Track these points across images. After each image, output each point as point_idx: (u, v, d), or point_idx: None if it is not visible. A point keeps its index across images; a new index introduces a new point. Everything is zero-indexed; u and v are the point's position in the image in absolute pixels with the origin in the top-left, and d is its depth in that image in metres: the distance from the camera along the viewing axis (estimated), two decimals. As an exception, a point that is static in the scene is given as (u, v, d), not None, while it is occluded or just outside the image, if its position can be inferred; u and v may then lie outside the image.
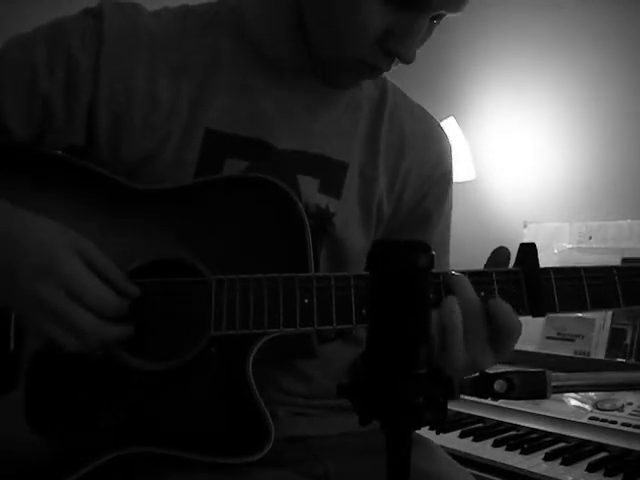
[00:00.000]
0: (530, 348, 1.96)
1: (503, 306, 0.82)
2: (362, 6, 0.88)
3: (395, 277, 0.56)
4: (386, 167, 1.04)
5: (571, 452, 1.54)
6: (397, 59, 0.93)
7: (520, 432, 1.69)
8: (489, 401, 1.71)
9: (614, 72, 2.38)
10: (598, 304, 0.86)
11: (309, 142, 0.99)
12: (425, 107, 1.14)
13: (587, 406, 1.68)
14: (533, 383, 0.66)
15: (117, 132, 0.94)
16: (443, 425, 1.70)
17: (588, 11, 2.44)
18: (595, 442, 1.57)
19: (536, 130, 2.60)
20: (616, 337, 1.90)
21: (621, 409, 1.65)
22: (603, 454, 1.53)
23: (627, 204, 2.23)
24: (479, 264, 0.89)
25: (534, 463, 1.51)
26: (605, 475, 1.43)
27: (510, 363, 1.54)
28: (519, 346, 0.83)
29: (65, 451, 0.88)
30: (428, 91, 2.73)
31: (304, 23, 0.96)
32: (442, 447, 1.14)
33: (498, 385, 0.65)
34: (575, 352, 1.95)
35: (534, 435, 1.66)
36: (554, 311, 0.86)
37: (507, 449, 1.59)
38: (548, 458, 1.52)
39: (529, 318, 0.86)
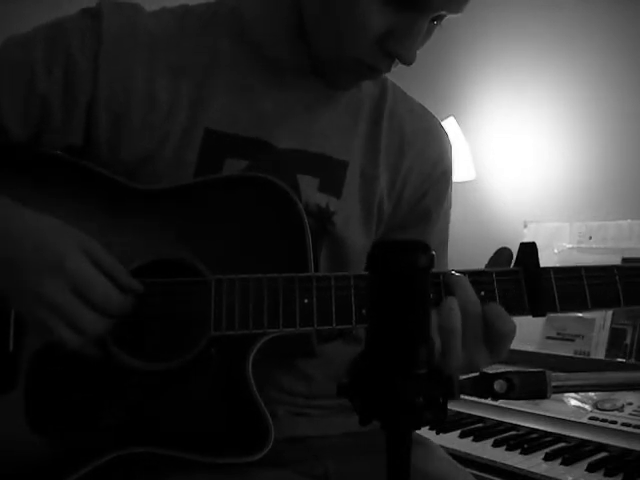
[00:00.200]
0: (530, 348, 1.95)
1: (498, 310, 0.83)
2: (362, 6, 0.88)
3: (395, 277, 0.56)
4: (387, 165, 1.04)
5: (571, 452, 1.54)
6: (397, 60, 0.93)
7: (520, 432, 1.69)
8: (489, 401, 1.71)
9: (614, 72, 2.38)
10: (599, 304, 0.86)
11: (309, 141, 0.99)
12: (425, 107, 1.14)
13: (587, 406, 1.68)
14: (533, 383, 0.66)
15: (116, 132, 0.94)
16: (443, 425, 1.70)
17: (588, 11, 2.44)
18: (595, 442, 1.57)
19: (536, 130, 2.60)
20: (616, 337, 1.90)
21: (621, 409, 1.65)
22: (603, 454, 1.53)
23: (627, 204, 2.23)
24: (479, 264, 0.89)
25: (534, 463, 1.51)
26: (605, 475, 1.43)
27: (510, 363, 1.54)
28: (519, 346, 0.83)
29: (65, 451, 0.88)
30: (428, 91, 2.73)
31: (304, 23, 0.96)
32: (442, 447, 1.14)
33: (498, 385, 0.65)
34: (575, 352, 1.94)
35: (534, 435, 1.66)
36: (554, 311, 0.86)
37: (507, 449, 1.59)
38: (548, 458, 1.52)
39: (529, 318, 0.86)
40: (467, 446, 1.63)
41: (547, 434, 1.65)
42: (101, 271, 0.85)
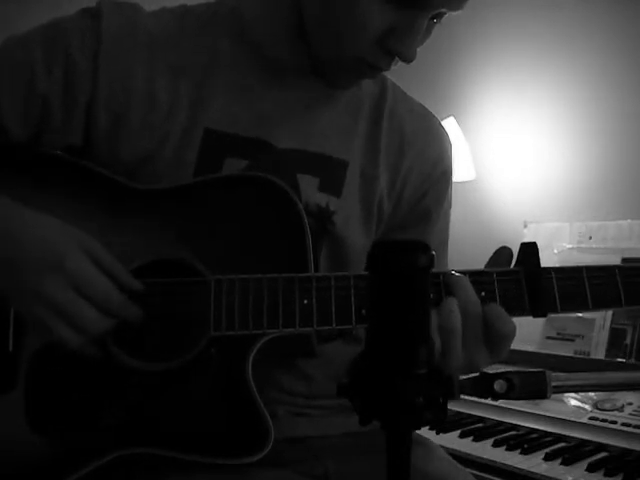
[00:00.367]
0: (530, 348, 1.95)
1: (498, 311, 0.83)
2: (362, 5, 0.88)
3: (395, 277, 0.56)
4: (387, 165, 1.04)
5: (571, 452, 1.54)
6: (397, 58, 0.93)
7: (520, 432, 1.69)
8: (489, 401, 1.71)
9: (614, 72, 2.38)
10: (599, 304, 0.86)
11: (309, 141, 0.99)
12: (425, 107, 1.14)
13: (587, 406, 1.68)
14: (533, 383, 0.66)
15: (116, 132, 0.94)
16: (443, 425, 1.70)
17: (588, 11, 2.44)
18: (595, 442, 1.57)
19: (536, 130, 2.60)
20: (616, 337, 1.90)
21: (621, 409, 1.65)
22: (603, 454, 1.53)
23: (627, 204, 2.23)
24: (479, 264, 0.89)
25: (534, 463, 1.51)
26: (605, 475, 1.43)
27: (510, 363, 1.53)
28: (519, 346, 0.83)
29: (65, 451, 0.88)
30: (428, 91, 2.73)
31: (304, 23, 0.96)
32: (442, 447, 1.14)
33: (498, 385, 0.65)
34: (575, 352, 1.94)
35: (534, 435, 1.66)
36: (555, 311, 0.86)
37: (507, 449, 1.59)
38: (548, 458, 1.52)
39: (529, 318, 0.86)
40: (467, 446, 1.63)
41: (547, 434, 1.65)
42: (101, 270, 0.85)
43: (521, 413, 1.73)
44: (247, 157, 0.96)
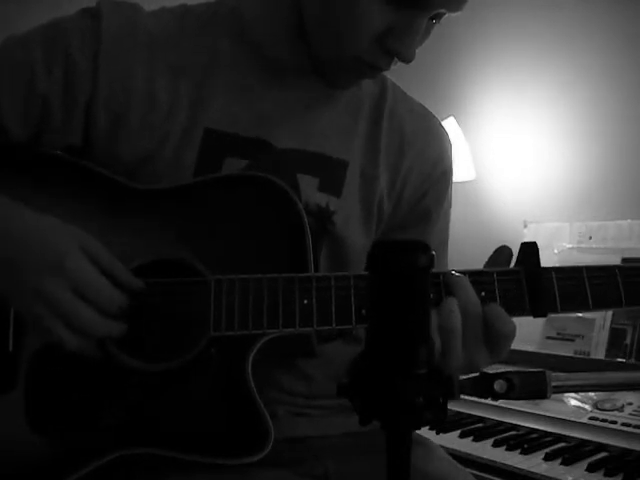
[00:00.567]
0: (530, 348, 1.95)
1: (498, 311, 0.83)
2: (362, 5, 0.88)
3: (395, 277, 0.56)
4: (387, 165, 1.04)
5: (571, 452, 1.54)
6: (396, 58, 0.93)
7: (520, 432, 1.69)
8: (489, 401, 1.71)
9: (614, 72, 2.38)
10: (600, 304, 0.86)
11: (309, 141, 0.99)
12: (425, 107, 1.14)
13: (587, 406, 1.68)
14: (533, 383, 0.66)
15: (115, 132, 0.94)
16: (443, 425, 1.70)
17: (588, 11, 2.44)
18: (595, 442, 1.57)
19: (536, 130, 2.60)
20: (616, 337, 1.90)
21: (621, 409, 1.65)
22: (603, 454, 1.53)
23: (627, 204, 2.23)
24: (479, 264, 0.89)
25: (534, 463, 1.51)
26: (605, 475, 1.43)
27: (510, 363, 1.53)
28: (519, 346, 0.83)
29: (65, 451, 0.88)
30: (428, 91, 2.72)
31: (304, 23, 0.96)
32: (442, 447, 1.14)
33: (498, 385, 0.65)
34: (575, 352, 1.94)
35: (534, 435, 1.66)
36: (555, 311, 0.85)
37: (507, 449, 1.59)
38: (548, 458, 1.52)
39: (529, 318, 0.86)
40: (467, 446, 1.63)
41: (547, 434, 1.65)
42: (101, 270, 0.85)
43: (521, 413, 1.73)
44: (247, 157, 0.96)
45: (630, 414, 1.62)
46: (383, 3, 0.87)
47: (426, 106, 1.13)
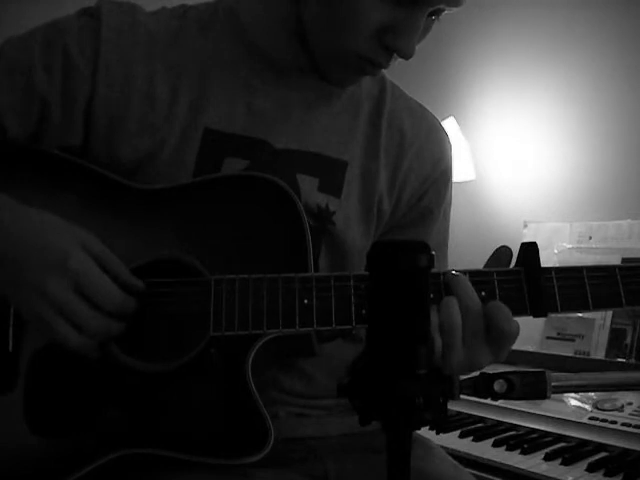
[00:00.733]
0: (530, 348, 1.95)
1: (502, 309, 0.82)
2: (361, 1, 0.88)
3: (395, 277, 0.56)
4: (386, 165, 1.04)
5: (571, 452, 1.54)
6: (396, 55, 0.93)
7: (520, 432, 1.69)
8: (489, 401, 1.71)
9: (614, 73, 2.38)
10: (600, 304, 0.86)
11: (308, 141, 0.99)
12: (425, 107, 1.14)
13: (587, 406, 1.68)
14: (533, 383, 0.66)
15: (115, 132, 0.94)
16: (443, 425, 1.69)
17: (589, 11, 2.44)
18: (595, 442, 1.57)
19: (536, 130, 2.60)
20: (616, 337, 1.90)
21: (621, 409, 1.65)
22: (603, 454, 1.53)
23: (627, 204, 2.23)
24: (479, 264, 0.89)
25: (534, 463, 1.50)
26: (605, 475, 1.43)
27: (510, 363, 1.53)
28: (519, 346, 0.83)
29: (64, 452, 0.88)
30: (428, 91, 2.72)
31: (303, 21, 0.96)
32: (442, 447, 1.14)
33: (498, 385, 0.65)
34: (575, 352, 1.94)
35: (534, 435, 1.66)
36: (556, 311, 0.85)
37: (507, 449, 1.58)
38: (548, 458, 1.51)
39: (529, 318, 0.86)
40: (467, 446, 1.63)
41: (547, 434, 1.65)
42: (103, 269, 0.85)
43: (521, 413, 1.72)
44: (247, 157, 0.96)
45: (630, 414, 1.62)
46: None
47: (426, 106, 1.13)
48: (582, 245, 2.08)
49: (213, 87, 0.97)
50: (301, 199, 0.95)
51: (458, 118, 2.67)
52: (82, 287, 0.83)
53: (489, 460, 1.55)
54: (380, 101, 1.06)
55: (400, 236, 1.06)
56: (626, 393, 1.69)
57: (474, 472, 1.43)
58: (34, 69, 0.92)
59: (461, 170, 2.61)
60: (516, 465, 1.50)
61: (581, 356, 1.92)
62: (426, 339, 0.57)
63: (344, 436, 1.02)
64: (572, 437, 1.61)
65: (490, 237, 2.46)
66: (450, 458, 1.09)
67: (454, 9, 0.92)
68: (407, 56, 0.92)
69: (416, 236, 1.06)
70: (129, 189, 0.93)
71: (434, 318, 0.79)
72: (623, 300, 0.86)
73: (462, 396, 0.61)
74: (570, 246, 2.10)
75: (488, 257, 0.89)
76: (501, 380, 0.65)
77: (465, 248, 1.82)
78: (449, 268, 0.85)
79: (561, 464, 1.49)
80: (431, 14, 0.92)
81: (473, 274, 0.85)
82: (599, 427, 1.60)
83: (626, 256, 1.94)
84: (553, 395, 0.68)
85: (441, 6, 0.91)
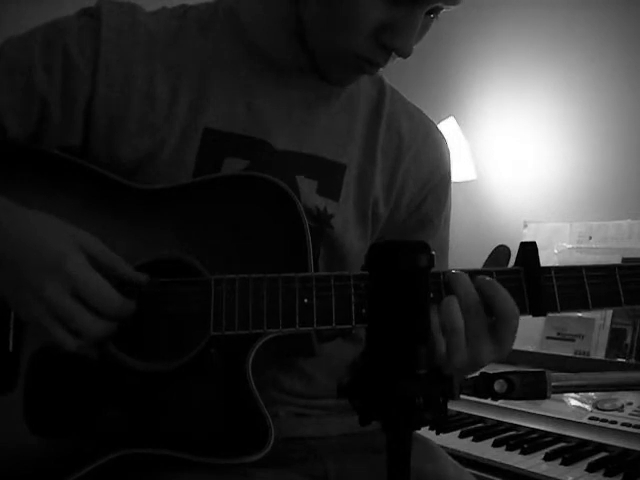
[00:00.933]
0: (530, 348, 1.95)
1: (500, 291, 0.80)
2: (359, 0, 0.88)
3: (395, 277, 0.56)
4: (383, 168, 1.04)
5: (571, 452, 1.54)
6: (394, 53, 0.92)
7: (520, 432, 1.69)
8: (489, 401, 1.71)
9: (614, 72, 2.38)
10: (599, 303, 0.86)
11: (308, 143, 0.99)
12: (425, 107, 1.14)
13: (587, 406, 1.68)
14: (533, 383, 0.66)
15: (115, 132, 0.94)
16: (443, 425, 1.69)
17: (589, 11, 2.44)
18: (595, 442, 1.57)
19: (536, 130, 2.60)
20: (616, 337, 1.90)
21: (621, 409, 1.65)
22: (603, 454, 1.53)
23: (627, 204, 2.23)
24: (479, 264, 0.89)
25: (534, 463, 1.50)
26: (605, 475, 1.43)
27: (510, 363, 1.54)
28: (519, 346, 0.82)
29: (64, 452, 0.88)
30: (428, 91, 2.73)
31: (302, 21, 0.96)
32: (442, 447, 1.14)
33: (498, 385, 0.65)
34: (575, 352, 1.94)
35: (534, 435, 1.66)
36: (555, 310, 0.85)
37: (507, 449, 1.58)
38: (548, 458, 1.51)
39: (529, 318, 0.86)
40: (467, 446, 1.63)
41: (547, 434, 1.65)
42: (102, 268, 0.84)
43: (521, 413, 1.72)
44: (247, 157, 0.96)
45: (630, 414, 1.62)
46: None
47: (426, 106, 1.13)
48: (582, 245, 2.08)
49: (213, 87, 0.97)
50: (300, 200, 0.95)
51: (458, 118, 2.67)
52: (79, 291, 0.82)
53: (489, 460, 1.55)
54: (379, 104, 1.06)
55: None
56: (626, 393, 1.69)
57: (474, 472, 1.43)
58: (34, 69, 0.92)
59: (461, 170, 2.61)
60: (516, 465, 1.50)
61: (581, 356, 1.92)
62: (426, 339, 0.57)
63: (344, 436, 1.02)
64: (572, 437, 1.61)
65: (490, 237, 2.45)
66: (450, 458, 1.09)
67: (452, 7, 0.92)
68: (405, 55, 0.91)
69: None
70: (129, 189, 0.93)
71: (435, 318, 0.79)
72: (622, 299, 0.86)
73: (462, 396, 0.61)
74: (570, 246, 2.10)
75: (486, 257, 0.89)
76: (501, 380, 0.65)
77: (465, 248, 1.82)
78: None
79: (561, 464, 1.49)
80: (429, 12, 0.92)
81: (473, 274, 0.85)
82: (599, 427, 1.60)
83: (626, 256, 1.94)
84: (553, 395, 0.68)
85: (439, 4, 0.90)
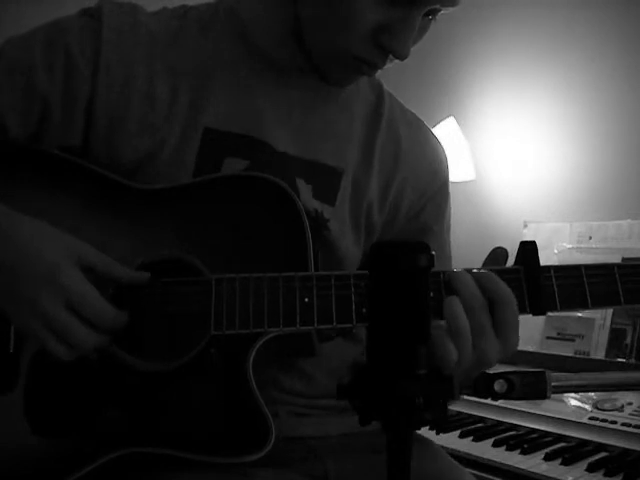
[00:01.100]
0: (530, 348, 1.96)
1: (497, 281, 0.80)
2: (356, 1, 0.88)
3: (395, 277, 0.56)
4: (379, 175, 1.04)
5: (571, 452, 1.54)
6: (391, 55, 0.92)
7: (520, 432, 1.69)
8: (489, 401, 1.71)
9: (614, 72, 2.38)
10: (599, 302, 0.86)
11: (306, 146, 0.99)
12: (425, 107, 1.14)
13: (587, 406, 1.68)
14: (533, 383, 0.67)
15: (115, 132, 0.94)
16: (443, 425, 1.69)
17: (589, 11, 2.44)
18: (595, 442, 1.57)
19: (536, 130, 2.60)
20: (616, 337, 1.90)
21: (621, 409, 1.65)
22: (603, 454, 1.53)
23: (627, 204, 2.23)
24: (479, 264, 0.89)
25: (534, 463, 1.50)
26: (605, 475, 1.43)
27: (510, 363, 1.53)
28: (519, 346, 0.82)
29: (65, 451, 0.88)
30: (428, 91, 2.74)
31: (300, 21, 0.96)
32: (442, 447, 1.14)
33: (498, 385, 0.65)
34: (575, 352, 1.94)
35: (534, 435, 1.66)
36: (555, 309, 0.85)
37: (507, 449, 1.58)
38: (548, 458, 1.51)
39: (529, 318, 0.86)
40: (467, 446, 1.63)
41: (547, 434, 1.65)
42: (99, 277, 0.84)
43: (521, 413, 1.73)
44: (247, 157, 0.96)
45: (630, 414, 1.62)
46: None
47: (426, 106, 1.14)
48: (582, 245, 2.08)
49: (213, 87, 0.97)
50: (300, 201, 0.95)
51: (458, 118, 2.67)
52: (72, 303, 0.82)
53: (489, 460, 1.55)
54: (377, 109, 1.06)
55: None
56: (626, 393, 1.69)
57: (474, 472, 1.43)
58: (35, 69, 0.92)
59: (461, 170, 2.61)
60: (516, 465, 1.50)
61: (581, 356, 1.92)
62: (426, 339, 0.57)
63: (344, 436, 1.02)
64: (572, 437, 1.61)
65: (490, 237, 2.45)
66: (450, 458, 1.09)
67: (450, 9, 0.92)
68: (402, 57, 0.91)
69: None
70: (129, 189, 0.93)
71: (438, 323, 0.78)
72: (622, 298, 0.86)
73: (462, 396, 0.61)
74: (570, 246, 2.10)
75: (484, 259, 0.89)
76: (501, 380, 0.65)
77: (465, 248, 1.82)
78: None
79: (561, 464, 1.49)
80: (427, 14, 0.91)
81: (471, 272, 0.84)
82: (599, 427, 1.60)
83: (626, 256, 1.94)
84: (553, 395, 0.68)
85: (437, 6, 0.90)
